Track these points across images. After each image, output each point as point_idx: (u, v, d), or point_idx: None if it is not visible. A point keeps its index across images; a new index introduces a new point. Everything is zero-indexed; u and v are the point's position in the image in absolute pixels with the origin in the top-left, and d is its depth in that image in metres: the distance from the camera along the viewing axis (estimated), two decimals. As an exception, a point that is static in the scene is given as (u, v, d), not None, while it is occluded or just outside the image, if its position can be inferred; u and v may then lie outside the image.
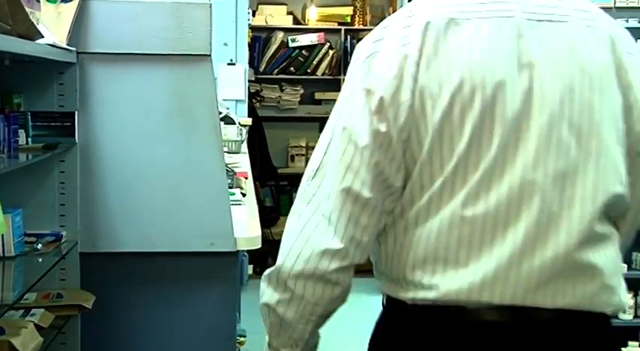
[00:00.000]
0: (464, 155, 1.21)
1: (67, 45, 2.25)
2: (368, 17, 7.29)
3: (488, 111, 1.20)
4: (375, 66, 1.25)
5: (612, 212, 1.26)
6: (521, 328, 1.23)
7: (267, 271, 1.36)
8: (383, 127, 1.23)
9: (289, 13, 7.23)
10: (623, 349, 4.07)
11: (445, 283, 1.23)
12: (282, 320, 1.35)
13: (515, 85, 1.21)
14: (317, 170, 1.33)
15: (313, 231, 1.29)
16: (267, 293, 1.35)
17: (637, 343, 4.07)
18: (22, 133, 2.21)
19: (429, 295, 1.24)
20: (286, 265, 1.32)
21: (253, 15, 6.64)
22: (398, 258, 1.29)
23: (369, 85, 1.24)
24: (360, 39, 7.47)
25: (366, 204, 1.26)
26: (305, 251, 1.30)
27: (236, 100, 5.51)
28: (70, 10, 2.27)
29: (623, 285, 1.29)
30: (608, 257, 1.25)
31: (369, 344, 1.42)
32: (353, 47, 7.22)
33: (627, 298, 3.96)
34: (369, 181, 1.25)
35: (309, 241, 1.29)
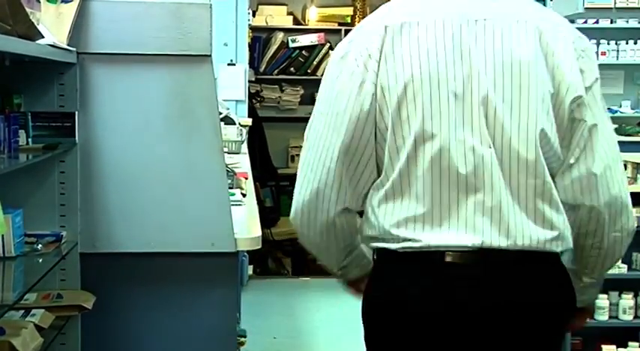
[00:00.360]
0: (420, 131, 1.54)
1: (68, 45, 2.25)
2: (368, 18, 7.30)
3: (436, 94, 1.53)
4: (345, 66, 1.60)
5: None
6: (490, 266, 1.56)
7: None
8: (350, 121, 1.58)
9: (289, 13, 7.23)
10: (622, 349, 4.07)
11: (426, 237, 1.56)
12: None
13: (457, 73, 1.54)
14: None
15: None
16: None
17: (637, 344, 4.06)
18: (22, 133, 2.21)
19: (415, 244, 1.56)
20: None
21: (253, 15, 6.64)
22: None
23: (343, 81, 1.60)
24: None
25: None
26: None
27: (236, 101, 5.52)
28: (70, 11, 2.27)
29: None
30: (552, 209, 1.58)
31: (364, 300, 1.69)
32: (353, 48, 7.24)
33: (627, 299, 3.96)
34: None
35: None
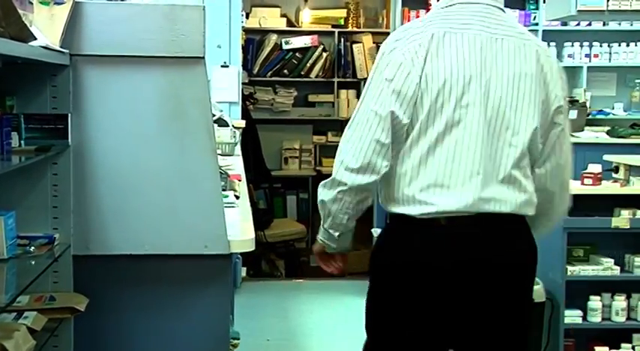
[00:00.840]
0: (452, 117, 2.01)
1: (60, 47, 2.24)
2: (361, 20, 7.30)
3: (466, 91, 2.02)
4: (395, 56, 2.04)
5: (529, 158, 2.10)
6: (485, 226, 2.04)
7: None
8: (395, 97, 2.02)
9: (283, 15, 7.24)
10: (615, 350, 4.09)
11: (441, 202, 2.01)
12: (330, 211, 2.13)
13: (480, 78, 2.03)
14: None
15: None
16: (323, 193, 2.12)
17: (630, 345, 4.07)
18: (14, 135, 2.20)
19: (431, 209, 2.01)
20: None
21: (247, 17, 6.64)
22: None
23: (391, 68, 2.03)
24: (354, 41, 7.53)
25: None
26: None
27: (229, 103, 5.52)
28: (63, 12, 2.26)
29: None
30: (529, 183, 2.09)
31: (373, 254, 2.18)
32: (346, 50, 7.24)
33: (620, 301, 3.98)
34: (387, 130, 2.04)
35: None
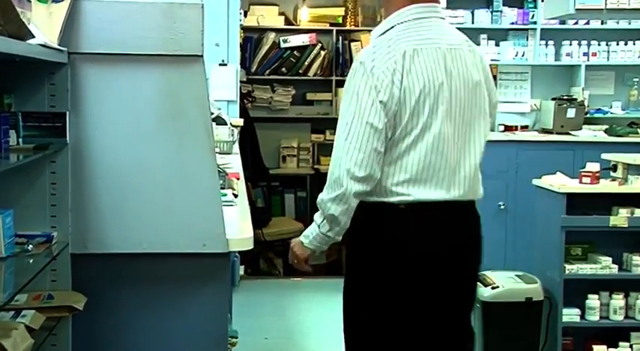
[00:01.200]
0: (426, 122, 2.30)
1: (59, 45, 2.24)
2: (359, 18, 7.30)
3: (436, 99, 2.30)
4: (375, 73, 2.28)
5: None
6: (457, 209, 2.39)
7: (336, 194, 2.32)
8: (382, 109, 2.28)
9: (281, 13, 7.23)
10: (613, 349, 4.08)
11: (417, 192, 2.32)
12: (339, 222, 2.34)
13: (446, 85, 2.32)
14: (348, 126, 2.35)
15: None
16: (334, 207, 2.33)
17: (628, 344, 4.08)
18: (12, 133, 2.20)
19: (408, 198, 2.32)
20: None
21: (245, 15, 6.64)
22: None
23: (374, 83, 2.27)
24: (352, 40, 7.53)
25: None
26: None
27: (228, 101, 5.51)
28: (61, 10, 2.26)
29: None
30: (481, 174, 2.45)
31: (351, 237, 2.40)
32: (344, 48, 7.24)
33: (618, 299, 3.98)
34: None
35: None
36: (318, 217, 2.38)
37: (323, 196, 2.34)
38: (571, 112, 5.82)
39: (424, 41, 2.32)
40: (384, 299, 2.35)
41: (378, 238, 2.35)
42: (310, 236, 2.42)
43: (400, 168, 2.30)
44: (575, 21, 5.91)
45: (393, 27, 2.37)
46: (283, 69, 7.23)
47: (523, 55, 6.08)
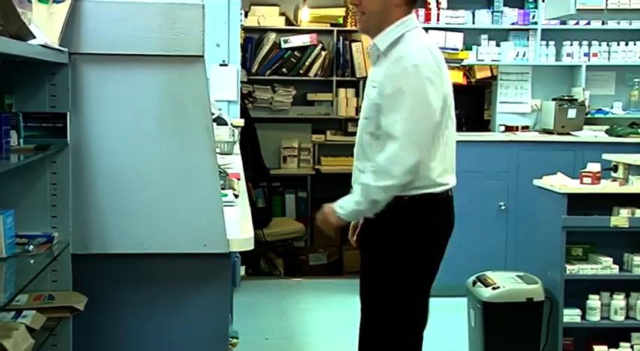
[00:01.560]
0: (447, 119, 2.73)
1: (59, 45, 2.24)
2: (360, 18, 7.29)
3: (449, 104, 2.74)
4: (431, 76, 2.63)
5: None
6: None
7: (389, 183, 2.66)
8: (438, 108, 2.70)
9: (282, 14, 7.23)
10: (614, 350, 4.08)
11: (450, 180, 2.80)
12: (379, 207, 2.68)
13: (448, 92, 2.74)
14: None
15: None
16: (381, 195, 2.66)
17: (629, 344, 4.07)
18: (13, 134, 2.20)
19: (446, 187, 2.78)
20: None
21: (246, 16, 6.64)
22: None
23: (432, 77, 2.64)
24: (353, 40, 7.52)
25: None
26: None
27: (228, 101, 5.51)
28: (62, 11, 2.26)
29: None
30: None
31: (395, 225, 2.75)
32: (345, 48, 7.24)
33: (619, 300, 3.97)
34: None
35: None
36: (359, 195, 2.67)
37: (370, 182, 2.63)
38: (572, 113, 5.82)
39: (437, 50, 2.71)
40: (427, 268, 2.79)
41: (427, 222, 2.74)
42: (347, 209, 2.72)
43: (441, 161, 2.71)
44: (575, 21, 5.91)
45: (403, 35, 2.66)
46: (284, 69, 7.22)
47: (524, 56, 6.08)
